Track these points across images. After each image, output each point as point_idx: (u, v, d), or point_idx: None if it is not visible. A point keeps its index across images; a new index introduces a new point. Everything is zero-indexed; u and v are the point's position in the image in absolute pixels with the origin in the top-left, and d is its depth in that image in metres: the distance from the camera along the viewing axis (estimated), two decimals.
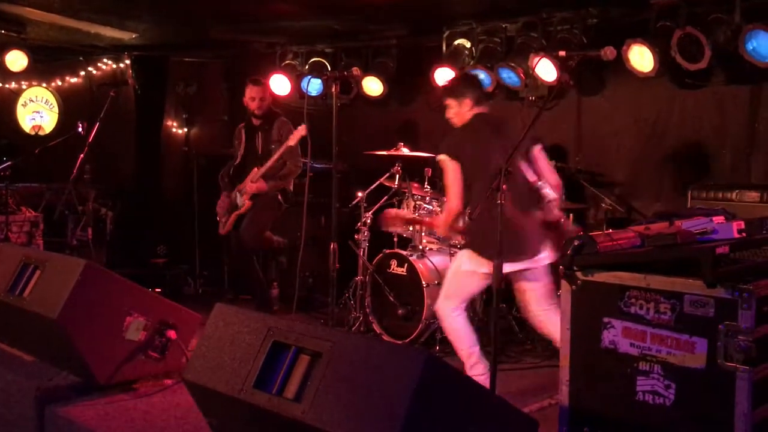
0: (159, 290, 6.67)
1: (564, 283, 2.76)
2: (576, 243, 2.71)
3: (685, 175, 5.42)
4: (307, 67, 7.08)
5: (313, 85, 6.74)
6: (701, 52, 4.78)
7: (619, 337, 2.64)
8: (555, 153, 5.94)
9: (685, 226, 2.78)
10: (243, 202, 5.70)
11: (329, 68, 6.97)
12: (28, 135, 8.06)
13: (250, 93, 5.77)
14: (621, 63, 5.08)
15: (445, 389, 2.12)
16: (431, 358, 2.07)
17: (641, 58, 5.08)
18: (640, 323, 2.59)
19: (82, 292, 3.34)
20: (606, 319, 2.68)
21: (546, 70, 5.57)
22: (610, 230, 2.81)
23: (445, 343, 5.02)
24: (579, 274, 2.73)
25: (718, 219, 2.97)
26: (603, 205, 5.43)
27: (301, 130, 5.26)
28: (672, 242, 2.62)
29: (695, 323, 2.46)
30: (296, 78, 7.00)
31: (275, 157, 5.51)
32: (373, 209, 5.64)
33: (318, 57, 7.06)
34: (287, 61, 7.21)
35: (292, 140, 5.38)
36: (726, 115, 5.29)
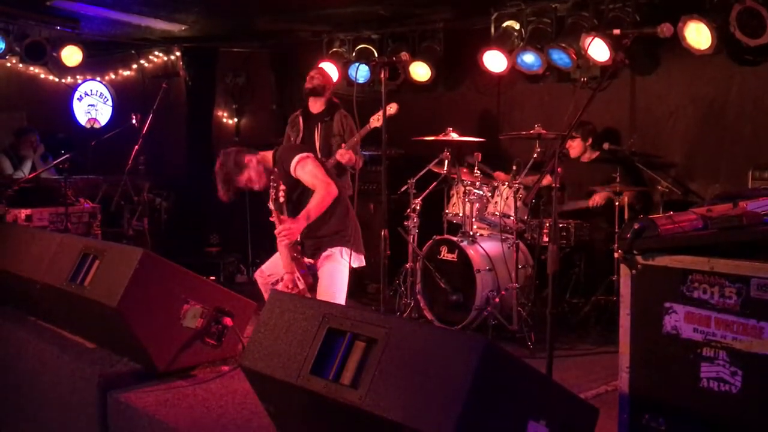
0: (213, 278, 6.80)
1: (623, 268, 2.69)
2: (636, 226, 2.64)
3: (745, 155, 5.24)
4: (354, 54, 7.08)
5: (361, 72, 6.71)
6: (762, 27, 4.60)
7: (682, 323, 2.56)
8: (608, 135, 5.83)
9: (750, 208, 2.67)
10: None
11: (376, 54, 6.95)
12: (84, 128, 8.28)
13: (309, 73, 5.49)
14: (676, 40, 4.93)
15: (503, 376, 2.09)
16: (490, 344, 2.04)
17: (698, 34, 4.92)
18: (703, 308, 2.50)
19: (141, 280, 3.40)
20: (668, 304, 2.60)
21: (598, 50, 5.44)
22: (671, 213, 2.72)
23: (499, 329, 4.99)
24: (639, 258, 2.65)
25: None
26: (659, 187, 5.30)
27: (390, 109, 4.68)
28: (738, 224, 2.52)
29: (763, 308, 2.36)
30: (344, 65, 7.01)
31: (361, 133, 5.07)
32: (423, 195, 5.61)
33: (365, 44, 7.05)
34: (334, 49, 7.22)
35: (375, 121, 4.96)
36: None
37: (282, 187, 3.89)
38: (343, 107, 5.51)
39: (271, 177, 3.93)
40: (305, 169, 4.03)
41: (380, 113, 4.80)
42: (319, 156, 5.26)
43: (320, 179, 4.02)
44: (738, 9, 4.67)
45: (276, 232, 3.94)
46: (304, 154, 4.08)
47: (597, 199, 5.47)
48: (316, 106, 5.50)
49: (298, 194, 4.14)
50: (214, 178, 4.18)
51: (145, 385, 3.43)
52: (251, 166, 4.10)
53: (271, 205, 3.95)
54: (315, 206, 3.98)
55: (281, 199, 3.89)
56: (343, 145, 5.22)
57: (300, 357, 2.46)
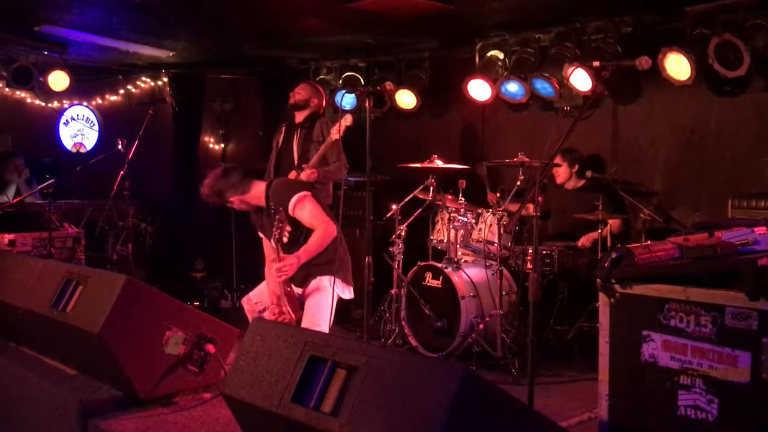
0: (197, 304, 6.77)
1: (602, 296, 2.73)
2: (614, 255, 2.68)
3: (725, 184, 5.33)
4: (340, 81, 7.15)
5: (347, 100, 6.79)
6: (739, 59, 4.70)
7: (659, 351, 2.60)
8: (591, 163, 5.90)
9: (725, 237, 2.72)
10: None
11: (362, 82, 7.02)
12: (70, 153, 8.27)
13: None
14: (657, 71, 5.03)
15: (482, 405, 2.10)
16: (468, 373, 2.06)
17: (678, 66, 5.02)
18: (680, 336, 2.54)
19: (123, 307, 3.40)
20: (645, 332, 2.63)
21: (580, 80, 5.53)
22: (649, 242, 2.77)
23: (483, 356, 5.00)
24: (617, 286, 2.70)
25: (760, 230, 2.90)
26: (641, 215, 5.36)
27: (345, 121, 4.79)
28: (712, 254, 2.57)
29: (738, 336, 2.41)
30: (330, 93, 7.07)
31: (321, 151, 5.10)
32: (408, 222, 5.64)
33: (351, 71, 7.12)
34: (321, 76, 7.29)
35: (335, 133, 4.96)
36: (766, 123, 5.19)
37: (288, 228, 3.89)
38: (326, 117, 5.55)
39: (277, 217, 3.92)
40: (304, 209, 4.05)
41: (338, 125, 4.88)
42: (297, 163, 5.31)
43: (320, 219, 4.05)
44: (716, 42, 4.77)
45: (275, 267, 3.92)
46: (302, 194, 4.09)
47: (584, 241, 5.51)
48: (299, 117, 5.52)
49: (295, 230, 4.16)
50: (203, 193, 4.24)
51: (126, 413, 3.41)
52: (235, 203, 4.21)
53: (273, 243, 3.95)
54: (314, 246, 4.00)
55: (285, 239, 3.89)
56: (304, 166, 5.18)
57: (281, 385, 2.46)
